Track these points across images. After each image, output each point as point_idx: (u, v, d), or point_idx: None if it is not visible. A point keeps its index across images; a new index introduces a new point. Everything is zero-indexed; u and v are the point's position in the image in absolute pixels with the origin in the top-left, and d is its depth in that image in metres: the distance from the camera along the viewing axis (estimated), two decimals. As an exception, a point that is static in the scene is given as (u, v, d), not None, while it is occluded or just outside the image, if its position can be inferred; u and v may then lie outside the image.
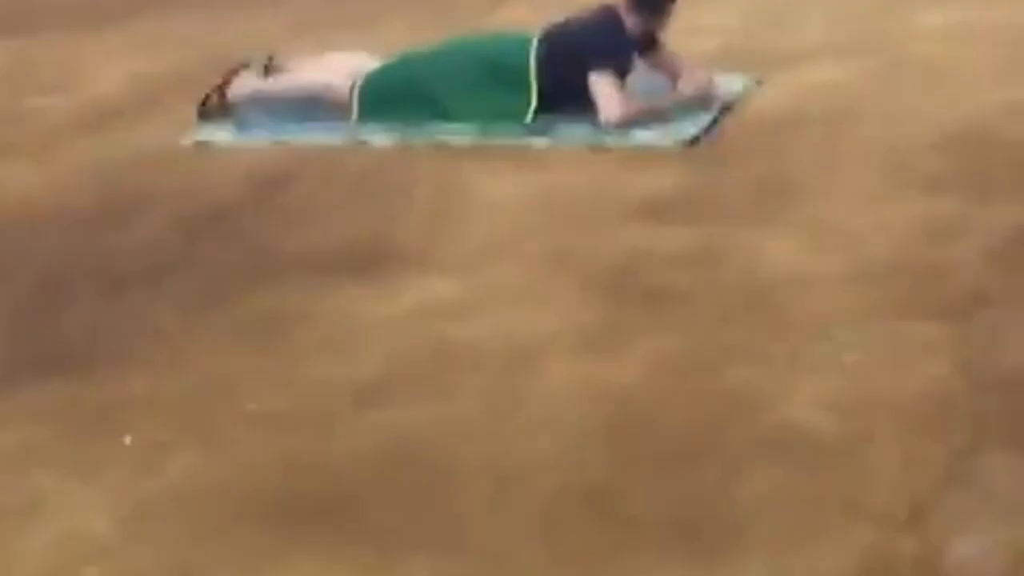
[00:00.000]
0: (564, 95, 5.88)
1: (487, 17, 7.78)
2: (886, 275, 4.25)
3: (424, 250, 4.81)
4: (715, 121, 5.73)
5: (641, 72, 6.03)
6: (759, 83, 6.08)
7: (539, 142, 5.74)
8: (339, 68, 6.37)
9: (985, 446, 3.27)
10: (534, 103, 5.90)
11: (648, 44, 5.99)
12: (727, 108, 5.85)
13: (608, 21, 5.96)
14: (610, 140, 5.67)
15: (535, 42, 5.96)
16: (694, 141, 5.56)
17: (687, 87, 5.87)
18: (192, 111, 6.41)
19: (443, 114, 5.98)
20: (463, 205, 5.20)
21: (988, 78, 5.86)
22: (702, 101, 5.85)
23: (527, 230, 4.89)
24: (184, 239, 5.09)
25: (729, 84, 6.02)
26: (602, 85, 5.79)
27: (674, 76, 6.02)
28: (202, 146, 6.12)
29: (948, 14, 6.79)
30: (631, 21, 5.91)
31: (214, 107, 6.43)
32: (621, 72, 5.88)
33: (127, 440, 3.68)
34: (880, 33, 6.65)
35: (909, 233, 4.50)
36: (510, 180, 5.38)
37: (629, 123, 5.72)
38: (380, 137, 5.96)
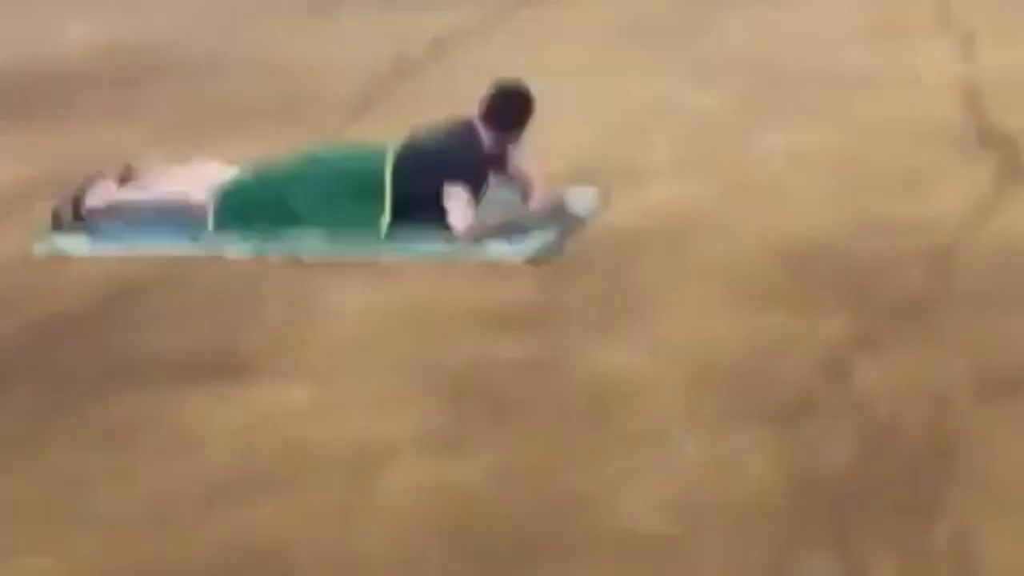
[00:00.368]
0: (418, 207, 6.03)
1: (342, 131, 7.92)
2: (719, 383, 4.44)
3: (274, 358, 4.91)
4: (563, 236, 5.91)
5: (493, 184, 6.21)
6: (606, 199, 6.28)
7: (391, 253, 5.88)
8: (195, 178, 6.45)
9: (805, 545, 3.44)
10: (388, 214, 6.05)
11: (501, 158, 6.18)
12: (575, 223, 6.04)
13: (464, 135, 6.15)
14: (461, 253, 5.82)
15: (391, 154, 6.12)
16: (542, 255, 5.73)
17: (537, 203, 6.05)
18: (45, 220, 6.45)
19: (297, 223, 6.09)
20: (313, 315, 5.31)
21: (821, 200, 6.12)
22: (551, 217, 6.03)
23: (375, 339, 5.02)
24: (34, 345, 5.14)
25: (577, 200, 6.21)
26: (455, 199, 5.96)
27: (525, 189, 6.20)
28: (55, 255, 6.17)
29: (788, 137, 7.07)
30: (487, 136, 6.10)
31: (69, 216, 6.47)
32: (475, 185, 6.05)
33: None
34: (723, 153, 6.91)
35: (742, 345, 4.69)
36: (361, 291, 5.50)
37: (479, 236, 5.89)
38: (235, 248, 6.05)
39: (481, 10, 11.49)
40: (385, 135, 7.60)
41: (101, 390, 4.68)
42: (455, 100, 8.44)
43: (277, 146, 7.60)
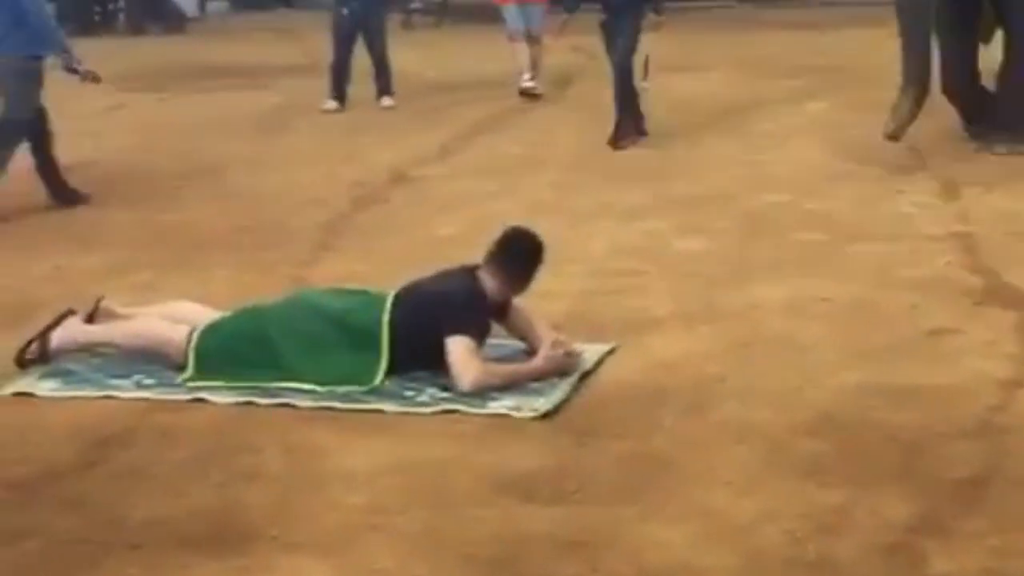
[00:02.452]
0: (416, 357, 5.69)
1: (307, 269, 7.59)
2: (777, 569, 4.09)
3: (282, 524, 4.51)
4: (572, 390, 5.57)
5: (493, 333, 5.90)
6: (612, 351, 5.96)
7: (389, 406, 5.50)
8: (173, 318, 6.07)
9: None
10: (384, 365, 5.68)
11: (505, 308, 5.84)
12: (583, 376, 5.70)
13: (466, 284, 5.81)
14: (463, 407, 5.46)
15: (389, 302, 5.76)
16: (552, 411, 5.39)
17: (544, 358, 5.70)
18: (7, 358, 6.02)
19: (287, 373, 5.70)
20: (316, 474, 4.92)
21: (839, 357, 5.82)
22: (558, 369, 5.69)
23: (388, 509, 4.62)
24: (15, 506, 4.70)
25: (584, 352, 5.88)
26: (457, 351, 5.60)
27: (531, 340, 5.87)
28: (22, 398, 5.73)
29: (783, 288, 6.79)
30: (492, 285, 5.77)
31: (35, 355, 6.05)
32: (478, 336, 5.71)
33: None
34: (723, 304, 6.61)
35: (795, 523, 4.35)
36: (363, 448, 5.12)
37: (485, 389, 5.53)
38: (218, 395, 5.65)
39: (441, 137, 11.28)
40: (350, 274, 7.39)
41: (97, 561, 4.26)
42: (419, 231, 8.23)
43: (244, 278, 7.31)
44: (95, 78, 9.38)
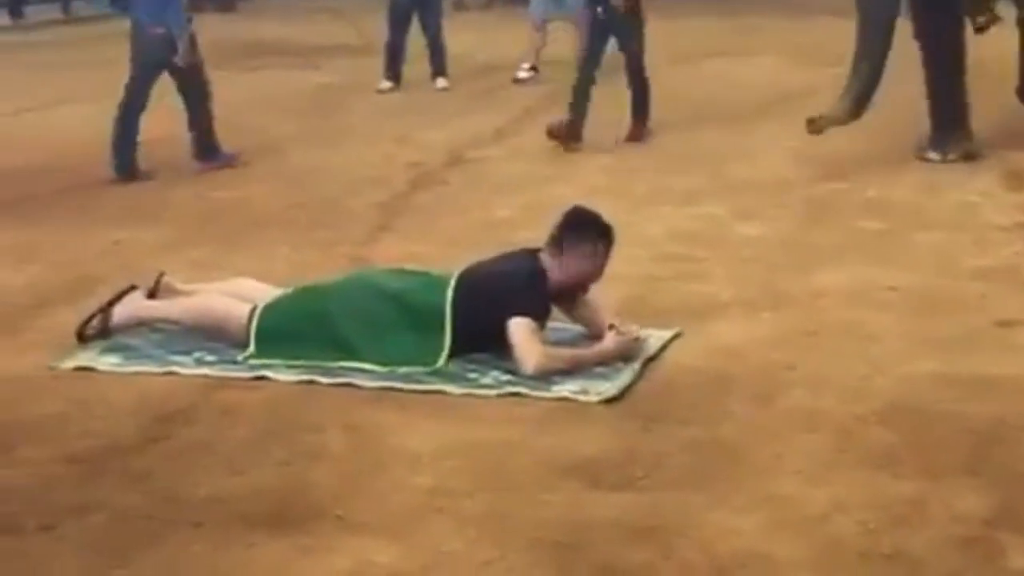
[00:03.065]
0: (479, 340, 5.64)
1: (365, 248, 7.55)
2: (851, 561, 4.02)
3: (347, 504, 4.46)
4: (637, 375, 5.51)
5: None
6: (677, 336, 5.90)
7: (452, 388, 5.45)
8: (234, 295, 6.03)
9: None
10: (448, 347, 5.63)
11: (573, 295, 5.78)
12: (648, 361, 5.64)
13: (528, 266, 5.75)
14: (527, 389, 5.40)
15: (452, 284, 5.70)
16: (617, 396, 5.32)
17: (611, 343, 5.62)
18: (68, 332, 6.01)
19: (349, 352, 5.66)
20: (380, 454, 4.87)
21: (907, 346, 5.74)
22: (623, 354, 5.63)
23: (454, 488, 4.57)
24: (80, 480, 4.67)
25: (646, 337, 5.81)
26: (520, 333, 5.54)
27: (595, 326, 5.81)
28: (83, 373, 5.70)
29: (846, 276, 6.71)
30: (554, 268, 5.71)
31: (95, 330, 6.03)
32: (540, 318, 5.66)
33: None
34: (785, 291, 6.53)
35: (868, 514, 4.27)
36: (427, 429, 5.07)
37: (548, 373, 5.47)
38: (279, 373, 5.61)
39: (495, 119, 11.22)
40: (411, 247, 7.35)
41: (161, 538, 4.22)
42: (477, 213, 8.18)
43: (302, 257, 7.28)
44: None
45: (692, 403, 5.25)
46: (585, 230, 5.76)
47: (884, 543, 4.10)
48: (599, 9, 10.11)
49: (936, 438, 4.81)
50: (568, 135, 10.02)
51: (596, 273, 5.78)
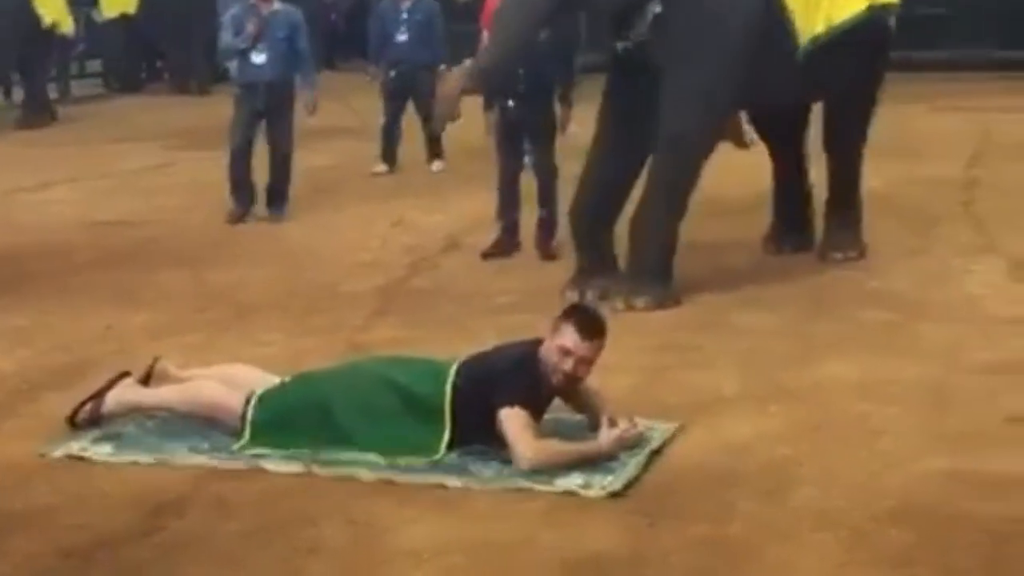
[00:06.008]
0: (479, 430, 5.51)
1: (362, 334, 7.44)
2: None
3: (349, 605, 4.34)
4: (642, 468, 5.38)
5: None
6: (680, 430, 5.78)
7: (453, 480, 5.32)
8: (230, 382, 5.91)
9: None
10: (447, 437, 5.51)
11: (569, 384, 5.65)
12: (652, 454, 5.51)
13: (524, 356, 5.64)
14: (529, 483, 5.27)
15: (452, 372, 5.59)
16: (622, 490, 5.20)
17: (608, 439, 5.49)
18: (59, 418, 5.88)
19: (347, 442, 5.54)
20: (380, 550, 4.77)
21: (917, 441, 5.63)
22: (624, 448, 5.50)
23: (460, 590, 4.46)
24: (70, 574, 4.54)
25: (650, 430, 5.70)
26: (512, 426, 5.41)
27: (594, 416, 5.69)
28: (74, 462, 5.57)
29: (852, 368, 6.60)
30: (552, 358, 5.57)
31: (87, 417, 5.90)
32: (533, 409, 5.52)
33: None
34: (790, 383, 6.42)
35: (886, 619, 4.16)
36: (428, 524, 4.96)
37: (548, 467, 5.34)
38: (275, 464, 5.49)
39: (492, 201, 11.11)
40: (409, 332, 7.24)
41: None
42: (476, 298, 8.07)
43: (298, 342, 7.17)
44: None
45: (698, 499, 5.14)
46: (569, 316, 5.66)
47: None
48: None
49: (952, 539, 4.70)
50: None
51: (578, 364, 5.62)
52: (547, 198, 9.33)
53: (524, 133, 9.35)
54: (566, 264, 8.39)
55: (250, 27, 10.44)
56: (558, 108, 9.36)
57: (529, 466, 5.33)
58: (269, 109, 10.60)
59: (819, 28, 7.98)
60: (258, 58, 10.47)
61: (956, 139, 12.98)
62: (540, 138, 9.30)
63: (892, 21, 8.58)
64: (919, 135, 13.34)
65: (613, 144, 8.10)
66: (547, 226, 9.31)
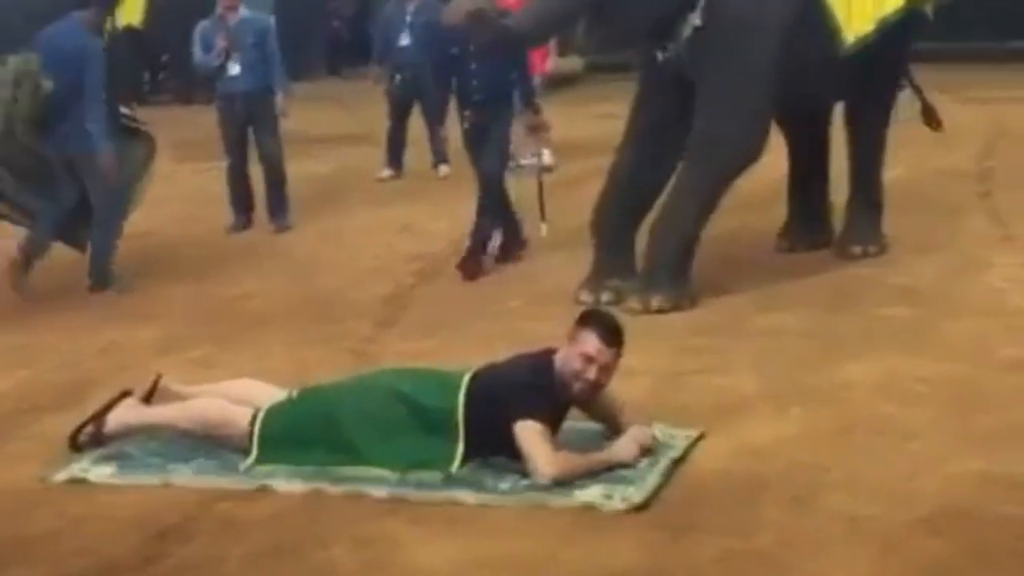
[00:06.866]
0: (494, 443, 5.31)
1: (371, 345, 7.25)
2: None
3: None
4: (664, 478, 5.19)
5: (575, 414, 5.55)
6: (702, 437, 5.58)
7: (468, 496, 5.13)
8: (235, 398, 5.73)
9: None
10: (461, 451, 5.31)
11: (592, 392, 5.45)
12: (673, 463, 5.32)
13: (537, 367, 5.44)
14: (547, 496, 5.08)
15: (464, 383, 5.39)
16: (643, 503, 5.00)
17: (626, 448, 5.32)
18: (61, 440, 5.70)
19: (357, 458, 5.35)
20: (393, 572, 4.57)
21: (948, 443, 5.43)
22: (643, 456, 5.32)
23: (478, 612, 4.27)
24: (74, 605, 4.36)
25: (669, 437, 5.51)
26: (528, 439, 5.22)
27: (612, 424, 5.51)
28: (76, 485, 5.38)
29: (876, 367, 6.40)
30: (568, 367, 5.37)
31: (88, 439, 5.71)
32: (549, 420, 5.33)
33: None
34: (813, 384, 6.22)
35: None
36: (443, 543, 4.77)
37: (567, 479, 5.15)
38: (284, 482, 5.30)
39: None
40: (418, 342, 7.05)
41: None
42: (486, 305, 7.88)
43: (305, 354, 6.99)
44: None
45: (723, 510, 4.94)
46: (588, 323, 5.47)
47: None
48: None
49: (990, 546, 4.50)
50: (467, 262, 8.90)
51: (601, 372, 5.43)
52: (485, 209, 8.98)
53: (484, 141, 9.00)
54: (577, 268, 8.18)
55: (220, 42, 10.39)
56: (526, 117, 9.15)
57: (548, 480, 5.14)
58: (251, 118, 10.46)
59: (869, 27, 7.89)
60: (233, 69, 10.41)
61: (968, 130, 12.75)
62: (489, 146, 8.96)
63: (929, 9, 8.46)
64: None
65: (645, 151, 8.02)
66: (478, 238, 8.92)
